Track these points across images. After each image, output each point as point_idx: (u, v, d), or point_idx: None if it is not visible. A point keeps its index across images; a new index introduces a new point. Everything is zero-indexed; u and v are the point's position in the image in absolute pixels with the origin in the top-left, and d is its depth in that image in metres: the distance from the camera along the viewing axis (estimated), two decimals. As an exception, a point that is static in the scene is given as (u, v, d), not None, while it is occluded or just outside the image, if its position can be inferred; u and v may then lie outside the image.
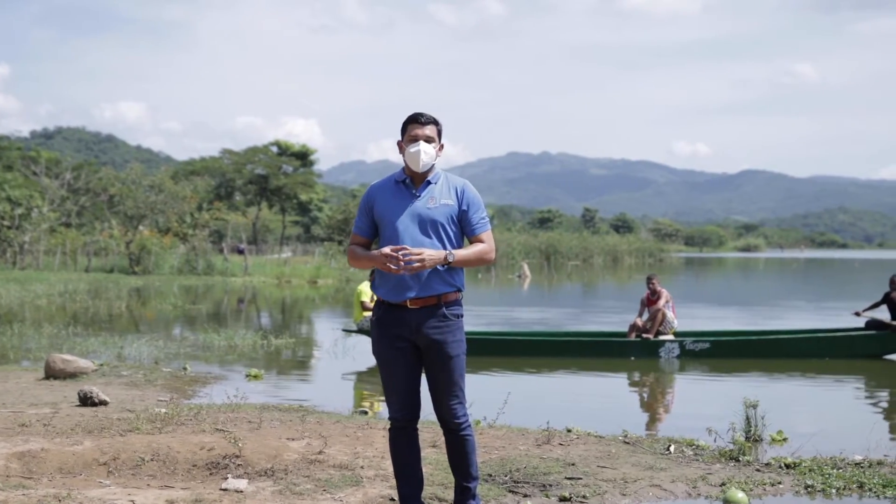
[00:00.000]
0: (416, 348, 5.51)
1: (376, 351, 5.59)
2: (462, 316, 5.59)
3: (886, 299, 16.56)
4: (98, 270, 46.51)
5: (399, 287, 5.41)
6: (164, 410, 9.05)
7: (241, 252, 56.37)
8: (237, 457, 7.22)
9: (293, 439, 7.91)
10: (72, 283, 36.15)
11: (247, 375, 13.72)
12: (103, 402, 10.08)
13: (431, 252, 5.32)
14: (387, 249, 5.26)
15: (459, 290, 5.56)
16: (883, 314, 16.68)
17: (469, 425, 5.65)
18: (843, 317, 22.00)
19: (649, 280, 17.13)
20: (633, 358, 16.02)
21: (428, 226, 5.45)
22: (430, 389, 5.59)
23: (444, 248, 5.45)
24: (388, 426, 5.69)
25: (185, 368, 14.03)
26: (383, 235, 5.53)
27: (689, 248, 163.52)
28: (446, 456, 5.78)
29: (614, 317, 26.54)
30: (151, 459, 7.14)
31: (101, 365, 13.74)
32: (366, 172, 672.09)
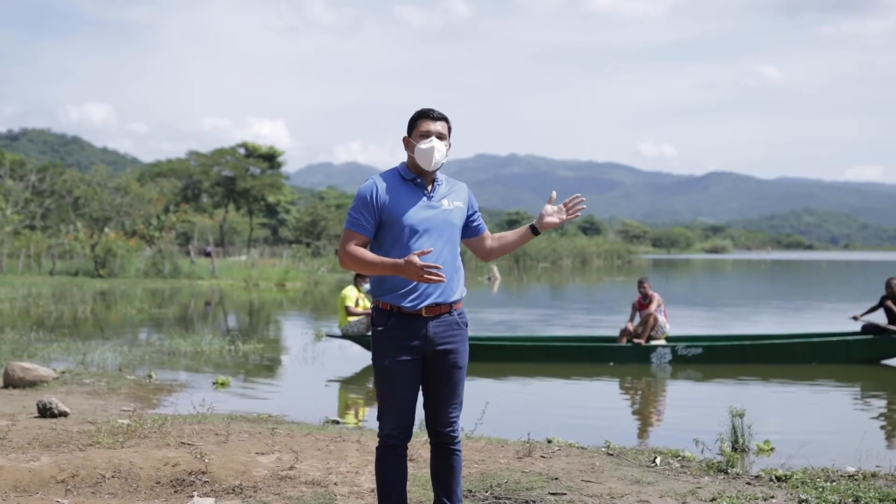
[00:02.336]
0: (422, 360, 5.11)
1: (380, 363, 5.11)
2: (468, 325, 5.26)
3: (883, 303, 16.32)
4: (63, 273, 45.87)
5: (415, 293, 5.02)
6: (126, 422, 8.65)
7: (207, 255, 55.82)
8: (203, 473, 6.84)
9: (263, 454, 7.53)
10: (35, 287, 35.60)
11: (214, 383, 13.33)
12: (63, 414, 9.66)
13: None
14: (417, 259, 4.79)
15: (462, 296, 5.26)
16: (880, 318, 16.43)
17: (460, 441, 5.32)
18: (815, 317, 21.88)
19: (640, 284, 16.75)
20: (611, 363, 15.73)
21: (444, 228, 5.11)
22: (429, 401, 5.21)
23: (456, 252, 5.17)
24: (378, 444, 5.23)
25: (150, 376, 13.61)
26: (391, 237, 5.07)
27: (657, 250, 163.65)
28: (421, 470, 5.40)
29: (584, 317, 26.32)
30: (112, 476, 6.75)
31: (63, 373, 13.31)
32: (333, 174, 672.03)
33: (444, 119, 5.20)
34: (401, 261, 4.86)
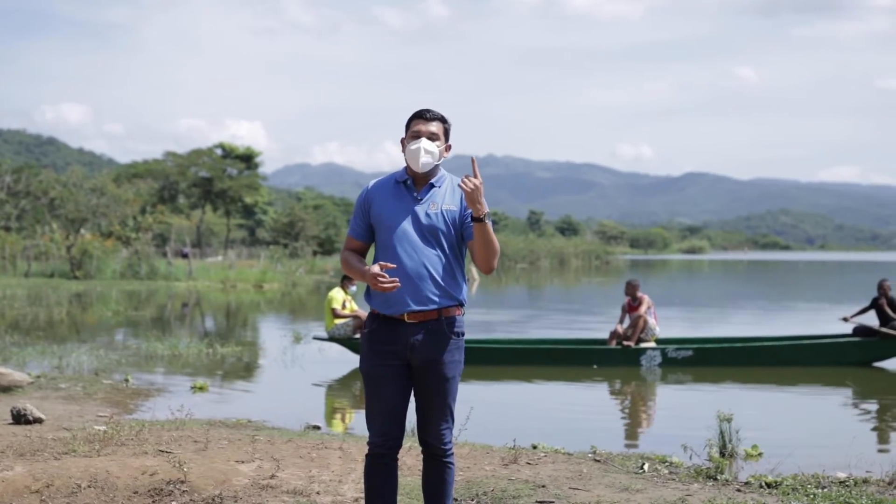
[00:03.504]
0: (408, 367, 4.97)
1: (364, 368, 5.01)
2: (463, 334, 5.07)
3: (875, 304, 16.22)
4: (38, 275, 45.45)
5: (396, 299, 4.89)
6: (103, 429, 8.45)
7: (185, 256, 55.49)
8: (182, 482, 6.66)
9: (243, 462, 7.35)
10: (10, 289, 35.21)
11: (192, 387, 13.13)
12: (38, 420, 9.46)
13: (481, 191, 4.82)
14: (376, 268, 4.78)
15: (461, 305, 5.05)
16: (871, 320, 16.33)
17: (453, 453, 5.15)
18: (795, 317, 21.83)
19: (629, 285, 16.60)
20: (595, 366, 15.60)
21: (428, 233, 4.94)
22: (418, 411, 5.06)
23: (447, 257, 4.97)
24: (366, 452, 5.07)
25: (126, 380, 13.40)
26: (379, 241, 5.02)
27: (635, 251, 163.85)
28: (406, 479, 5.23)
29: (563, 318, 26.23)
30: (88, 486, 6.56)
31: (38, 377, 13.08)
32: (311, 175, 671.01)
33: (440, 119, 5.06)
34: (365, 269, 4.85)
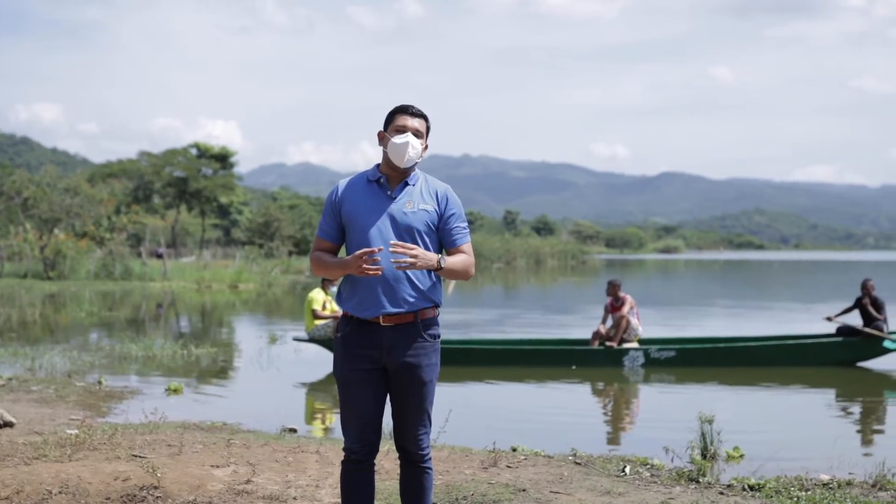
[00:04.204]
0: (384, 371, 4.84)
1: (338, 372, 4.87)
2: (439, 336, 4.94)
3: (858, 304, 16.16)
4: (11, 276, 45.10)
5: (371, 301, 4.75)
6: (75, 433, 8.29)
7: (159, 256, 55.16)
8: (156, 488, 6.52)
9: (218, 466, 7.20)
10: (-17, 290, 34.92)
11: (166, 389, 12.96)
12: (9, 424, 9.30)
13: (425, 252, 4.68)
14: (361, 251, 4.62)
15: (437, 307, 4.92)
16: (855, 320, 16.27)
17: (431, 458, 5.02)
18: (773, 316, 21.80)
19: (610, 285, 16.48)
20: (573, 367, 15.49)
21: (404, 232, 4.78)
22: (395, 416, 4.92)
23: None
24: (342, 458, 4.94)
25: (100, 382, 13.22)
26: (352, 241, 4.85)
27: (610, 250, 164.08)
28: (384, 483, 5.10)
29: (540, 317, 26.15)
30: (59, 492, 6.40)
31: (10, 379, 12.91)
32: (286, 175, 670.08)
33: (423, 117, 4.95)
34: (348, 258, 4.68)
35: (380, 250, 4.63)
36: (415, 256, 4.60)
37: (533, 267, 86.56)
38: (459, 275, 4.87)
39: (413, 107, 4.93)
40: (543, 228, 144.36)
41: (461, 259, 4.87)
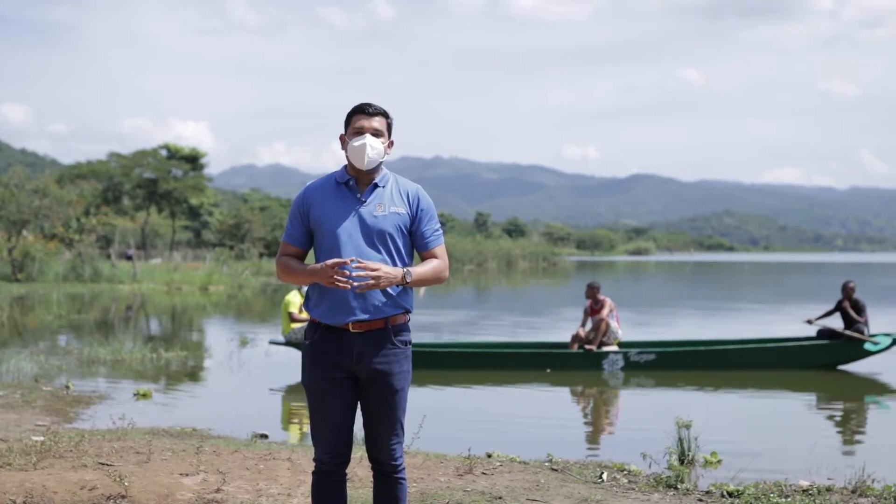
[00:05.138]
0: (354, 379, 4.68)
1: (307, 381, 4.71)
2: (410, 343, 4.77)
3: (839, 307, 16.09)
4: (-22, 278, 44.69)
5: (340, 307, 4.59)
6: (41, 440, 8.11)
7: (129, 258, 54.78)
8: (123, 497, 6.36)
9: (187, 475, 7.04)
10: (-51, 292, 34.54)
11: (135, 394, 12.76)
12: (-27, 430, 9.11)
13: (388, 269, 4.53)
14: (332, 261, 4.48)
15: (408, 312, 4.75)
16: (836, 323, 16.20)
17: (404, 468, 4.85)
18: (748, 318, 21.76)
19: (589, 288, 16.36)
20: (548, 370, 15.37)
21: (375, 237, 4.63)
22: (366, 426, 4.76)
23: (394, 262, 4.66)
24: (313, 469, 4.79)
25: (67, 387, 13.00)
26: (321, 246, 4.68)
27: (581, 252, 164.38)
28: (357, 491, 4.95)
29: (513, 319, 26.06)
30: (24, 503, 6.23)
31: (-25, 384, 12.69)
32: (257, 176, 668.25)
33: (383, 114, 4.77)
34: (318, 266, 4.53)
35: (352, 261, 4.48)
36: (377, 277, 4.48)
37: (504, 269, 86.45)
38: (430, 282, 4.74)
39: (370, 105, 4.77)
40: (514, 230, 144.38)
41: (431, 267, 4.72)
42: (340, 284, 4.45)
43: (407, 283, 4.59)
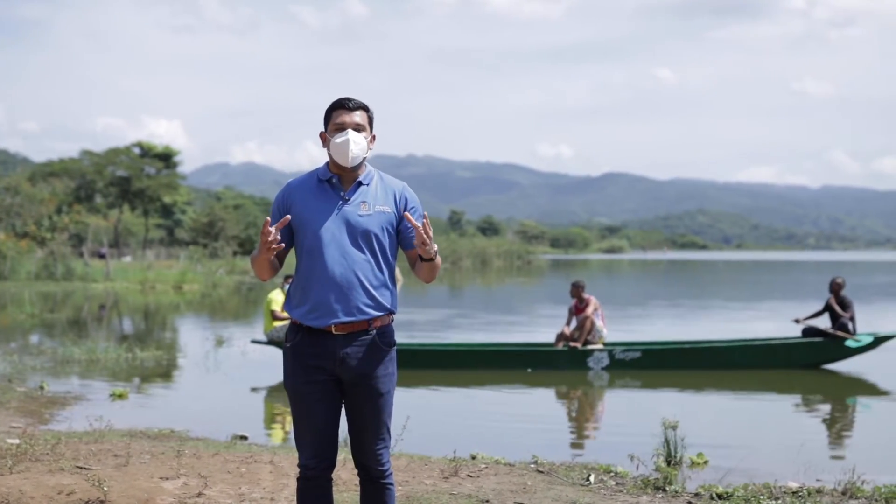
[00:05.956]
0: (338, 383, 4.53)
1: (289, 385, 4.55)
2: (395, 345, 4.63)
3: (828, 307, 16.00)
4: (-51, 277, 44.28)
5: (323, 309, 4.44)
6: (16, 442, 7.94)
7: (102, 256, 54.43)
8: (102, 502, 6.20)
9: (167, 478, 6.88)
10: (-80, 291, 34.18)
11: (111, 395, 12.58)
12: (-54, 433, 8.93)
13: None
14: (269, 228, 4.36)
15: (392, 314, 4.61)
16: (825, 322, 16.11)
17: (391, 473, 4.70)
18: (726, 316, 21.71)
19: (574, 286, 16.25)
20: (529, 370, 15.26)
21: (359, 236, 4.48)
22: (351, 431, 4.61)
23: (378, 263, 4.52)
24: (298, 475, 4.63)
25: (42, 387, 12.81)
26: (303, 246, 4.52)
27: (555, 250, 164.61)
28: (342, 495, 4.81)
29: (488, 317, 25.97)
30: (0, 508, 6.09)
31: (-53, 385, 12.49)
32: (230, 174, 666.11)
33: (364, 108, 4.61)
34: (261, 239, 4.38)
35: (279, 245, 4.37)
36: (431, 238, 4.44)
37: (479, 267, 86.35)
38: (437, 269, 4.60)
39: (350, 100, 4.61)
40: (489, 228, 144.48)
41: (439, 259, 4.60)
42: (273, 248, 4.34)
43: (432, 259, 4.50)
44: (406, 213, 4.48)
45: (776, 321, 17.29)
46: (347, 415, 4.62)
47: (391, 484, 4.70)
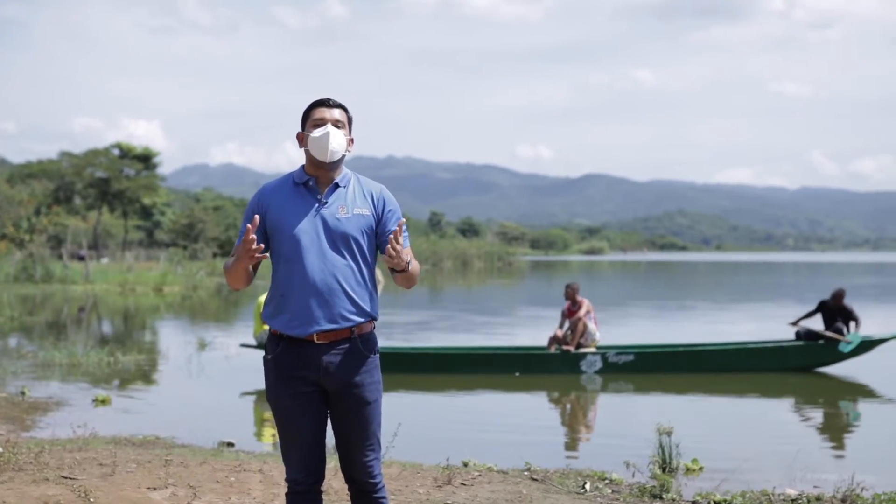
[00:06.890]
0: (322, 393, 4.37)
1: (272, 398, 4.40)
2: (378, 352, 4.48)
3: (821, 308, 15.94)
4: (-73, 279, 43.88)
5: (302, 317, 4.28)
6: (-1, 451, 7.76)
7: (81, 258, 54.08)
8: (89, 513, 6.05)
9: (155, 488, 6.71)
10: None
11: (94, 400, 12.39)
12: (-74, 441, 8.73)
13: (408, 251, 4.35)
14: (248, 237, 4.19)
15: (374, 320, 4.45)
16: (818, 324, 16.05)
17: (384, 486, 4.53)
18: (715, 317, 21.61)
19: (568, 289, 16.13)
20: (517, 374, 15.13)
21: (338, 240, 4.33)
22: (339, 443, 4.45)
23: (359, 266, 4.36)
24: (286, 489, 4.49)
25: (23, 392, 12.61)
26: (280, 251, 4.37)
27: (535, 252, 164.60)
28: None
29: (471, 318, 25.85)
30: (-17, 520, 5.93)
31: (-74, 390, 12.29)
32: (209, 176, 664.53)
33: (343, 108, 4.49)
34: (238, 247, 4.24)
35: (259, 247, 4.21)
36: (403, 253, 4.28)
37: (460, 269, 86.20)
38: (415, 277, 4.44)
39: (330, 99, 4.49)
40: (469, 230, 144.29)
41: (417, 265, 4.45)
42: (257, 257, 4.19)
43: (406, 270, 4.32)
44: (391, 238, 4.29)
45: (757, 322, 17.26)
46: (334, 426, 4.47)
47: (384, 497, 4.55)
